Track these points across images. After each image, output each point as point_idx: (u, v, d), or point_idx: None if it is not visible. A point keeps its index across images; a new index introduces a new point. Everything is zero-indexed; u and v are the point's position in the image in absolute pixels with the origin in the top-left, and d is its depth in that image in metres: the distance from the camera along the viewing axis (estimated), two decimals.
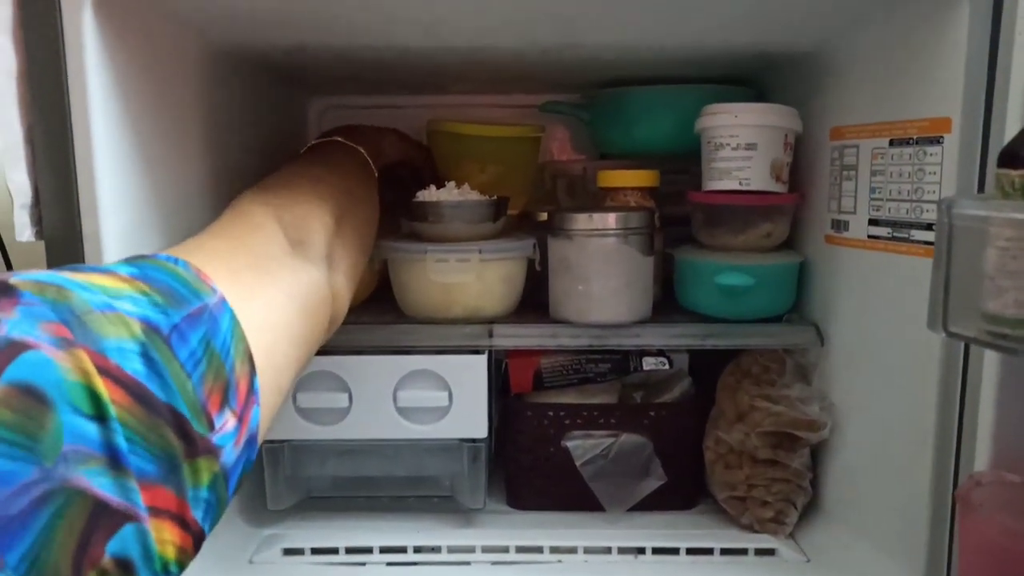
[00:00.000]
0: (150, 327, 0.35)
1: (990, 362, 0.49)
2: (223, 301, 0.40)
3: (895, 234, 0.64)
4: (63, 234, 0.60)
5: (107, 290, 0.35)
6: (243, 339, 0.40)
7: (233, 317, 0.40)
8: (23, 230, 0.60)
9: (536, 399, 0.82)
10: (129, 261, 0.41)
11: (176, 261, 0.41)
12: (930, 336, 0.57)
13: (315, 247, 0.57)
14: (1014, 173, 0.40)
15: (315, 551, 0.73)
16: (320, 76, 0.91)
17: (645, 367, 0.80)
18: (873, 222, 0.67)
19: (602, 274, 0.74)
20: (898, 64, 0.63)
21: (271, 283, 0.49)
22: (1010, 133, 0.50)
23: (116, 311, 0.34)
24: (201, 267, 0.42)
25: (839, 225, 0.72)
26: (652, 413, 0.80)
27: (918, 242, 0.62)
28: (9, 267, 0.88)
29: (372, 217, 0.70)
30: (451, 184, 0.80)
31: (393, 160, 0.81)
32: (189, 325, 0.37)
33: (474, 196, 0.79)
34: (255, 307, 0.44)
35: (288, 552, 0.73)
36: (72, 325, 0.32)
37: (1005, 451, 0.48)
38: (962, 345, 0.55)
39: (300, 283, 0.52)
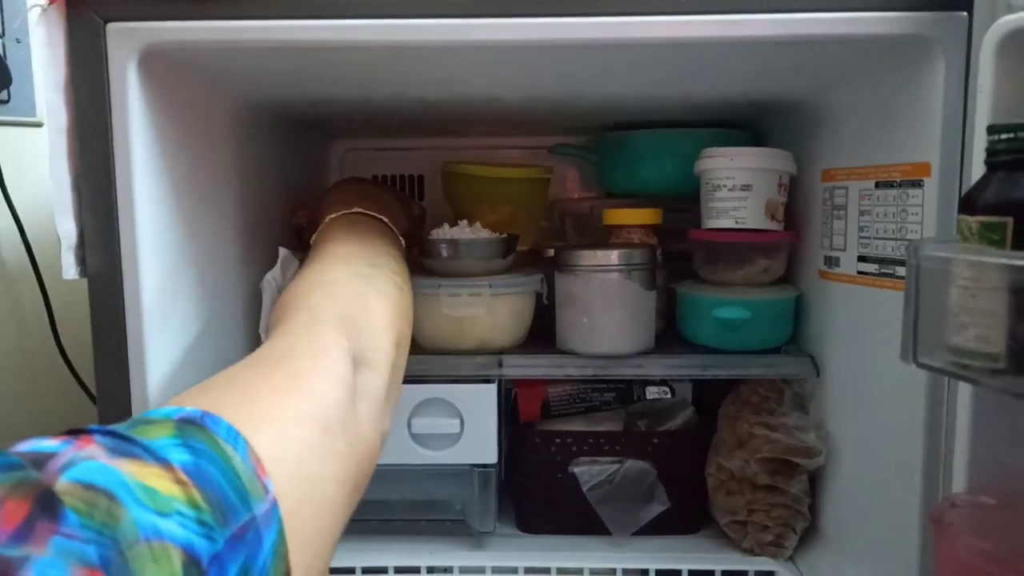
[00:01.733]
0: (191, 559, 0.32)
1: (964, 391, 0.52)
2: (274, 507, 0.37)
3: (882, 270, 0.68)
4: (105, 274, 0.65)
5: (158, 499, 0.33)
6: (284, 558, 0.37)
7: (280, 531, 0.37)
8: (69, 269, 0.65)
9: (544, 427, 0.85)
10: (185, 429, 0.37)
11: (236, 440, 0.38)
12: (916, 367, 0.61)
13: (377, 391, 0.52)
14: (971, 219, 0.44)
15: (332, 571, 0.76)
16: (342, 122, 0.97)
17: (648, 396, 0.84)
18: (862, 259, 0.71)
19: (606, 308, 0.78)
20: (883, 113, 0.68)
21: (330, 458, 0.44)
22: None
23: (162, 539, 0.32)
24: (257, 432, 0.39)
25: (831, 261, 0.75)
26: (656, 440, 0.83)
27: (902, 278, 0.65)
28: (48, 306, 0.93)
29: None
30: (463, 222, 0.85)
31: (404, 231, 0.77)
32: (231, 551, 0.34)
33: (485, 234, 0.83)
34: (308, 494, 0.40)
35: None
36: (112, 567, 0.29)
37: (980, 475, 0.51)
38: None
39: (358, 449, 0.47)
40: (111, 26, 0.61)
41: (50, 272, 0.94)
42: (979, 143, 0.49)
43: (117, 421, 0.65)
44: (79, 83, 0.63)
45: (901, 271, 0.66)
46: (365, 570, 0.76)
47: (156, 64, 0.63)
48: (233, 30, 0.60)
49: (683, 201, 0.89)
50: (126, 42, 0.61)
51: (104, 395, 0.67)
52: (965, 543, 0.45)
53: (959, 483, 0.53)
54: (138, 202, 0.64)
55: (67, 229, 0.65)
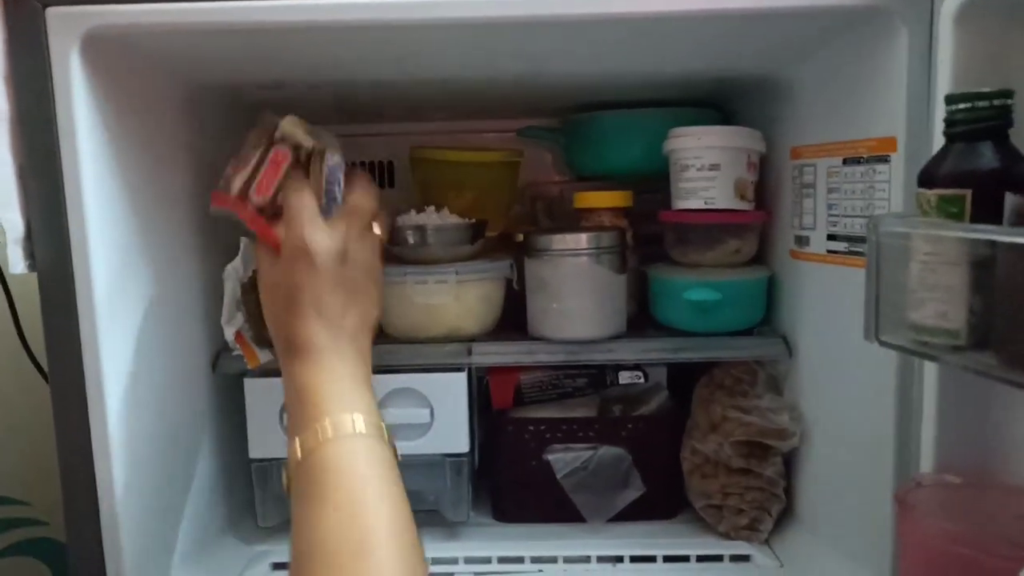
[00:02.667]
0: None
1: (929, 369, 0.51)
2: None
3: (851, 248, 0.67)
4: (54, 268, 0.63)
5: None
6: None
7: None
8: (16, 263, 0.63)
9: (517, 414, 0.84)
10: None
11: None
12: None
13: None
14: (930, 192, 0.43)
15: None
16: (300, 108, 0.94)
17: (621, 381, 0.83)
18: (831, 237, 0.70)
19: (575, 292, 0.77)
20: (848, 88, 0.66)
21: None
22: None
23: None
24: None
25: (801, 240, 0.74)
26: (630, 425, 0.82)
27: None
28: (9, 297, 0.91)
29: None
30: (431, 208, 0.84)
31: None
32: None
33: (453, 219, 0.82)
34: None
35: (277, 567, 0.76)
36: None
37: (946, 453, 0.51)
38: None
39: None
40: (51, 11, 0.59)
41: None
42: (938, 115, 0.48)
43: (72, 417, 0.64)
44: (20, 71, 0.61)
45: None
46: None
47: (100, 49, 0.61)
48: (176, 12, 0.58)
49: (653, 183, 0.87)
50: (67, 27, 0.59)
51: (58, 389, 0.65)
52: (929, 524, 0.44)
53: (927, 462, 0.52)
54: (86, 193, 0.62)
55: (13, 222, 0.63)
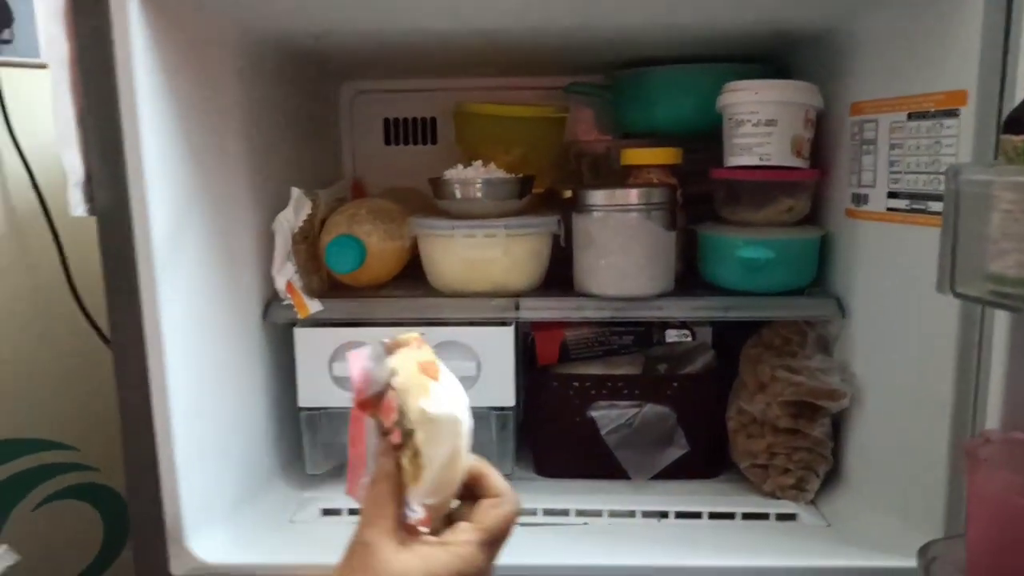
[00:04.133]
0: None
1: (1000, 325, 0.50)
2: None
3: (913, 206, 0.66)
4: (113, 212, 0.64)
5: None
6: None
7: None
8: (76, 206, 0.64)
9: (562, 370, 0.84)
10: None
11: None
12: (947, 303, 0.59)
13: None
14: (1016, 139, 0.42)
15: (352, 511, 0.76)
16: (350, 61, 0.94)
17: (668, 339, 0.83)
18: (892, 195, 0.68)
19: (624, 248, 0.76)
20: (915, 39, 0.64)
21: None
22: None
23: None
24: None
25: (859, 199, 0.73)
26: (676, 384, 0.82)
27: (935, 213, 0.63)
28: (60, 249, 0.93)
29: None
30: (478, 163, 0.83)
31: None
32: None
33: (501, 174, 0.81)
34: None
35: (327, 512, 0.77)
36: None
37: (1015, 411, 0.50)
38: (979, 311, 0.57)
39: None
40: None
41: (61, 216, 0.93)
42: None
43: (131, 363, 0.65)
44: (80, 15, 0.61)
45: (934, 206, 0.63)
46: None
47: None
48: None
49: (702, 141, 0.86)
50: None
51: (117, 333, 0.66)
52: (999, 477, 0.44)
53: (992, 420, 0.51)
54: (144, 137, 0.62)
55: (73, 164, 0.63)
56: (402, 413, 0.44)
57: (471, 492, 0.47)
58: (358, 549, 0.43)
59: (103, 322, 0.95)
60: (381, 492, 0.44)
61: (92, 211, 0.65)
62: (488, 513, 0.45)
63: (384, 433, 0.45)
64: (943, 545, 0.49)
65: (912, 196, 0.65)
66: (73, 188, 0.64)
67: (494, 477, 0.48)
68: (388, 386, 0.45)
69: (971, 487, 0.47)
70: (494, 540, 0.45)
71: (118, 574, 1.06)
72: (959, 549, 0.48)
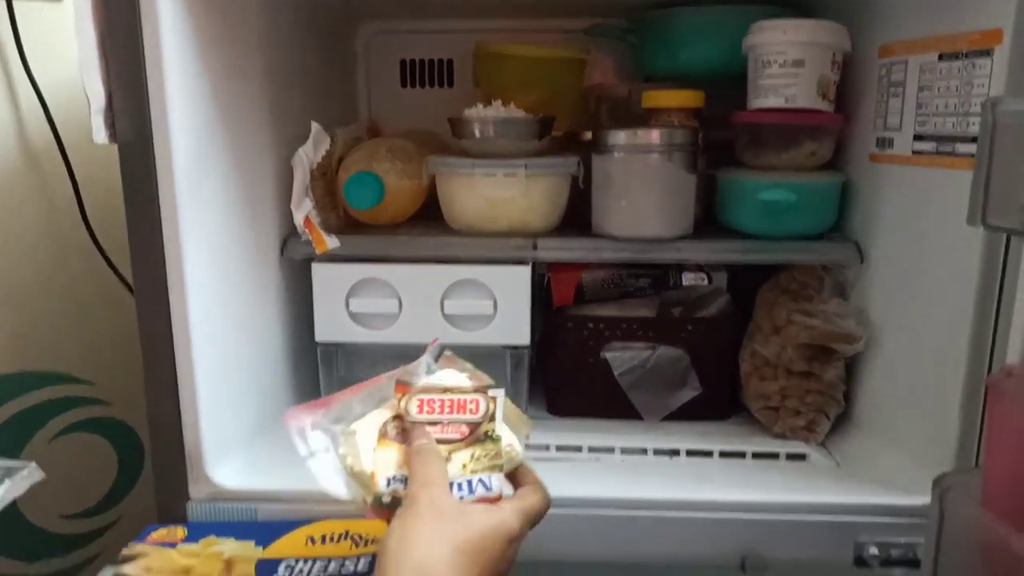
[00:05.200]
0: None
1: None
2: None
3: (940, 148, 0.65)
4: (135, 140, 0.64)
5: None
6: None
7: None
8: (98, 133, 0.64)
9: (577, 312, 0.84)
10: None
11: None
12: (970, 244, 0.60)
13: None
14: None
15: None
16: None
17: (684, 282, 0.83)
18: (918, 137, 0.68)
19: (644, 190, 0.76)
20: None
21: None
22: None
23: None
24: None
25: (884, 142, 0.72)
26: (690, 327, 0.82)
27: (962, 155, 0.63)
28: (76, 187, 0.92)
29: None
30: (497, 102, 0.82)
31: None
32: None
33: (520, 114, 0.81)
34: None
35: None
36: None
37: None
38: (1001, 251, 0.57)
39: None
40: None
41: (76, 152, 0.92)
42: None
43: (153, 293, 0.66)
44: None
45: (961, 148, 0.63)
46: None
47: None
48: None
49: (724, 87, 0.85)
50: None
51: (139, 263, 0.66)
52: (1020, 408, 0.44)
53: (1014, 354, 0.52)
54: (167, 65, 0.62)
55: (95, 90, 0.63)
56: (494, 417, 0.55)
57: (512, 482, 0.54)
58: (424, 503, 0.49)
59: (118, 259, 0.96)
60: (439, 466, 0.52)
61: (113, 138, 0.64)
62: (528, 495, 0.52)
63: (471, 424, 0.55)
64: (958, 476, 0.50)
65: (939, 138, 0.65)
66: (95, 114, 0.63)
67: (532, 471, 0.55)
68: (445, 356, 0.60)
69: (991, 419, 0.47)
70: (529, 519, 0.51)
71: (133, 505, 1.08)
72: (975, 480, 0.49)
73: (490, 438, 0.54)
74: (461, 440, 0.55)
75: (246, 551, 0.64)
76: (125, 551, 0.65)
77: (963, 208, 0.55)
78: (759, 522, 0.67)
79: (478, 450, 0.54)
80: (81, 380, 1.03)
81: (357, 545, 0.65)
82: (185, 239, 0.65)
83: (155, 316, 0.66)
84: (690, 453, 0.77)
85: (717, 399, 0.83)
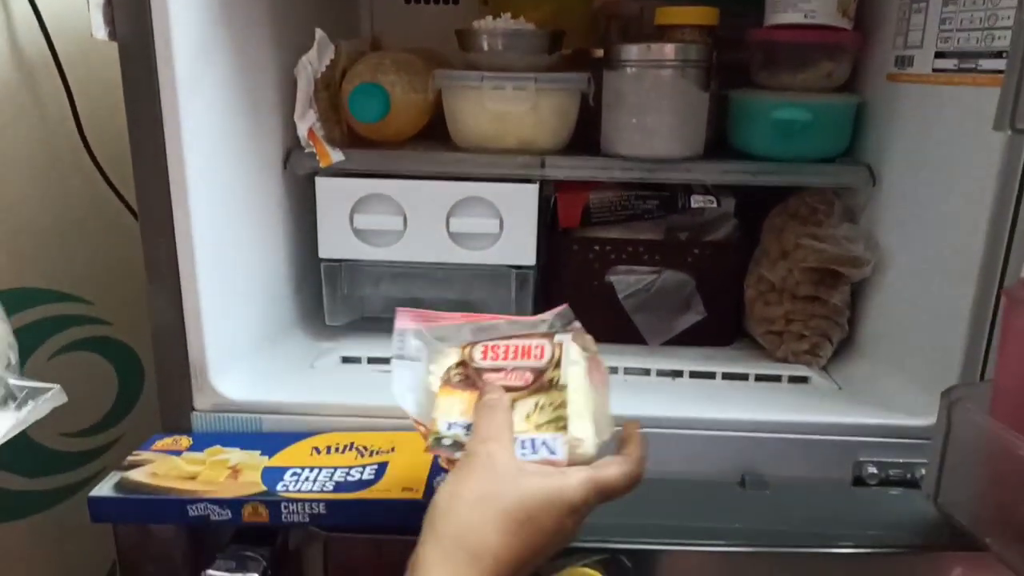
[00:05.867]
0: None
1: None
2: None
3: (962, 65, 0.64)
4: (135, 38, 0.61)
5: None
6: None
7: None
8: (98, 28, 0.62)
9: (583, 234, 0.84)
10: None
11: None
12: (988, 160, 0.59)
13: None
14: None
15: (371, 360, 0.78)
16: None
17: (693, 204, 0.82)
18: (940, 55, 0.66)
19: (657, 107, 0.75)
20: None
21: None
22: None
23: None
24: None
25: (903, 61, 0.71)
26: (696, 251, 0.82)
27: (985, 71, 0.61)
28: (72, 100, 0.90)
29: None
30: (507, 15, 0.80)
31: None
32: None
33: (530, 27, 0.78)
34: None
35: (346, 360, 0.78)
36: None
37: None
38: (1020, 165, 0.56)
39: None
40: None
41: (72, 67, 0.90)
42: None
43: (155, 199, 0.64)
44: None
45: (984, 64, 0.61)
46: None
47: None
48: None
49: (738, 6, 0.82)
50: None
51: (141, 167, 0.65)
52: None
53: None
54: None
55: None
56: (559, 363, 0.51)
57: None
58: (482, 459, 0.46)
59: (116, 178, 0.94)
60: (503, 420, 0.48)
61: (113, 35, 0.62)
62: (608, 466, 0.47)
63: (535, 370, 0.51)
64: (967, 388, 0.50)
65: (962, 55, 0.63)
66: (94, 8, 0.61)
67: (638, 444, 0.50)
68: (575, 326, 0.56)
69: (1006, 329, 0.47)
70: (600, 492, 0.46)
71: (133, 424, 1.09)
72: (983, 392, 0.49)
73: (555, 386, 0.50)
74: (525, 388, 0.51)
75: (252, 459, 0.65)
76: (130, 458, 0.66)
77: (983, 124, 0.55)
78: (760, 440, 0.68)
79: (542, 398, 0.50)
80: (81, 299, 1.02)
81: (362, 455, 0.65)
82: (187, 143, 0.63)
83: (158, 222, 0.65)
84: (693, 374, 0.77)
85: (721, 324, 0.83)
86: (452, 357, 0.55)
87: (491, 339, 0.54)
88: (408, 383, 0.52)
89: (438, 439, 0.49)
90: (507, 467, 0.45)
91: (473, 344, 0.54)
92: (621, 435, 0.51)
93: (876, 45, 0.76)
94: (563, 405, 0.49)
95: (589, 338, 0.55)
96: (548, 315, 0.57)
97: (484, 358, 0.53)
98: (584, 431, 0.48)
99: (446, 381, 0.53)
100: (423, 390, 0.52)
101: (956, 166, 0.65)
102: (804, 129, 0.73)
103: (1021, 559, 0.45)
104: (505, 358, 0.53)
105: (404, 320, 0.55)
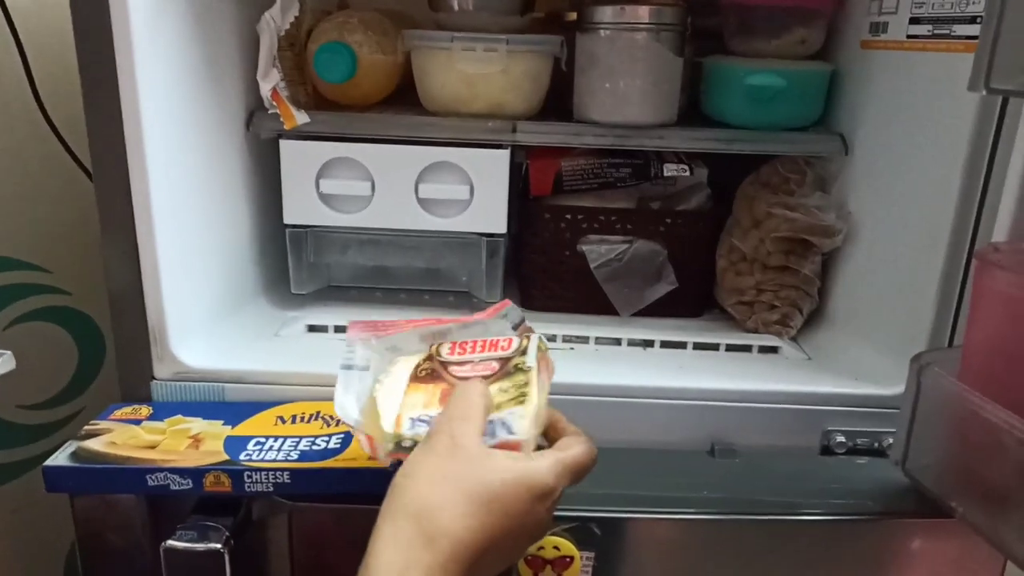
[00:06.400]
0: None
1: (1021, 138, 0.49)
2: None
3: (936, 31, 0.63)
4: None
5: None
6: None
7: None
8: None
9: (555, 202, 0.82)
10: None
11: None
12: (960, 126, 0.59)
13: None
14: None
15: (338, 329, 0.76)
16: None
17: (666, 173, 0.81)
18: (914, 20, 0.66)
19: (630, 71, 0.73)
20: None
21: None
22: None
23: None
24: None
25: (877, 27, 0.70)
26: (668, 220, 0.81)
27: (958, 37, 0.61)
28: (21, 50, 0.86)
29: None
30: None
31: None
32: None
33: None
34: None
35: (312, 329, 0.77)
36: None
37: (1020, 229, 0.50)
38: (991, 132, 0.56)
39: None
40: None
41: (22, 16, 0.86)
42: None
43: (110, 161, 0.62)
44: None
45: (958, 29, 0.61)
46: None
47: None
48: None
49: None
50: None
51: (95, 128, 0.62)
52: (1005, 277, 0.44)
53: (1000, 236, 0.51)
54: None
55: None
56: (526, 351, 0.51)
57: (548, 439, 0.49)
58: (444, 439, 0.44)
59: (71, 137, 0.91)
60: (476, 402, 0.46)
61: None
62: (571, 445, 0.46)
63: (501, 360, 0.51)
64: (936, 354, 0.50)
65: (936, 20, 0.63)
66: None
67: (569, 423, 0.50)
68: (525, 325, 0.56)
69: (976, 292, 0.47)
70: (570, 472, 0.45)
71: (94, 397, 1.06)
72: (952, 356, 0.49)
73: (520, 370, 0.50)
74: (491, 375, 0.51)
75: (214, 429, 0.63)
76: (87, 427, 0.64)
77: (956, 89, 0.55)
78: (730, 409, 0.68)
79: (506, 382, 0.50)
80: (39, 267, 0.99)
81: (328, 424, 0.64)
82: (143, 94, 0.60)
83: (112, 172, 0.62)
84: (664, 344, 0.76)
85: (691, 295, 0.83)
86: (403, 365, 0.54)
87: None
88: (354, 391, 0.51)
89: (399, 442, 0.48)
90: (472, 447, 0.43)
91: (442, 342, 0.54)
92: (551, 421, 0.50)
93: (850, 11, 0.75)
94: (526, 384, 0.49)
95: (541, 336, 0.55)
96: (491, 312, 0.57)
97: (451, 353, 0.53)
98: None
99: (414, 377, 0.53)
100: (368, 400, 0.50)
101: (927, 133, 0.64)
102: (777, 96, 0.73)
103: (986, 521, 0.45)
104: (472, 351, 0.53)
105: (354, 331, 0.55)
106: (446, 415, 0.46)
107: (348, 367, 0.53)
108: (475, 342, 0.54)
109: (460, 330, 0.56)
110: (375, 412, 0.49)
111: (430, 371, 0.53)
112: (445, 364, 0.53)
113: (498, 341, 0.53)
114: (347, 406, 0.50)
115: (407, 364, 0.55)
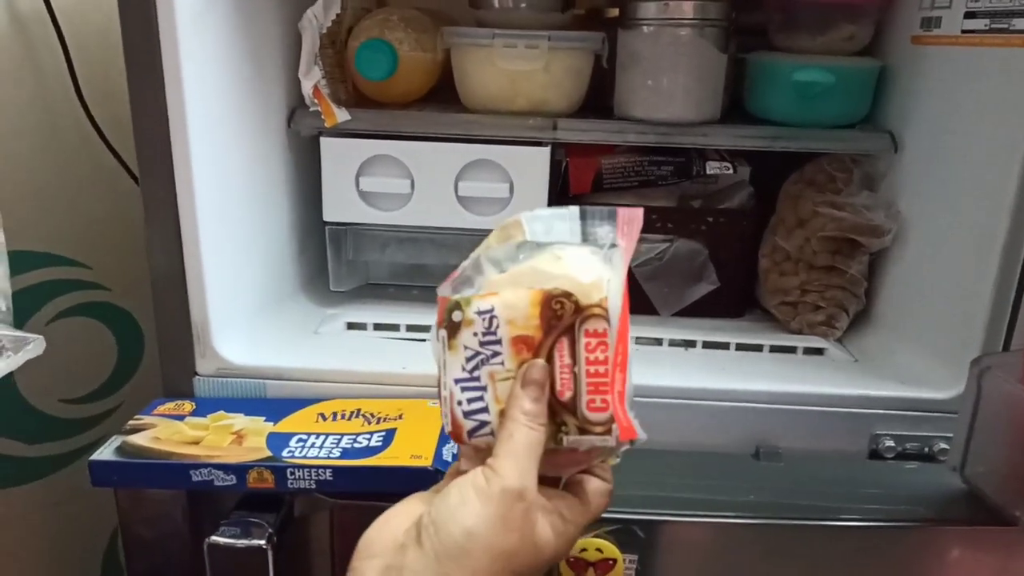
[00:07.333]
0: None
1: None
2: None
3: (993, 25, 0.61)
4: None
5: None
6: None
7: None
8: None
9: (595, 200, 0.82)
10: None
11: None
12: (1017, 128, 0.57)
13: None
14: None
15: (377, 327, 0.76)
16: None
17: (708, 171, 0.80)
18: (970, 15, 0.64)
19: (673, 68, 0.72)
20: None
21: None
22: None
23: None
24: None
25: (930, 23, 0.68)
26: (710, 219, 0.80)
27: (1019, 31, 0.59)
28: (66, 52, 0.87)
29: None
30: None
31: None
32: None
33: None
34: None
35: (352, 326, 0.77)
36: None
37: None
38: None
39: None
40: None
41: (67, 18, 0.87)
42: None
43: (156, 156, 0.62)
44: None
45: (1018, 23, 0.59)
46: (409, 327, 0.76)
47: None
48: None
49: None
50: None
51: (141, 126, 0.62)
52: None
53: None
54: None
55: None
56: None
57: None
58: (518, 512, 0.39)
59: (113, 136, 0.92)
60: (535, 452, 0.41)
61: None
62: (598, 502, 0.44)
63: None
64: (996, 357, 0.49)
65: (994, 15, 0.61)
66: None
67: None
68: None
69: None
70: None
71: (133, 392, 1.07)
72: (1013, 361, 0.48)
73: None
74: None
75: (256, 425, 0.63)
76: (132, 422, 0.64)
77: (1014, 85, 0.53)
78: (775, 412, 0.66)
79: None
80: (80, 263, 1.00)
81: (369, 422, 0.64)
82: (189, 92, 0.60)
83: (158, 182, 0.63)
84: (706, 345, 0.75)
85: (732, 295, 0.82)
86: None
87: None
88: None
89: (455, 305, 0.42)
90: (541, 536, 0.40)
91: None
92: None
93: (900, 6, 0.73)
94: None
95: None
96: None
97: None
98: None
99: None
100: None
101: (983, 131, 0.62)
102: (825, 93, 0.71)
103: None
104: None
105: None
106: (517, 468, 0.40)
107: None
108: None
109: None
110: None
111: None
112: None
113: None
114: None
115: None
